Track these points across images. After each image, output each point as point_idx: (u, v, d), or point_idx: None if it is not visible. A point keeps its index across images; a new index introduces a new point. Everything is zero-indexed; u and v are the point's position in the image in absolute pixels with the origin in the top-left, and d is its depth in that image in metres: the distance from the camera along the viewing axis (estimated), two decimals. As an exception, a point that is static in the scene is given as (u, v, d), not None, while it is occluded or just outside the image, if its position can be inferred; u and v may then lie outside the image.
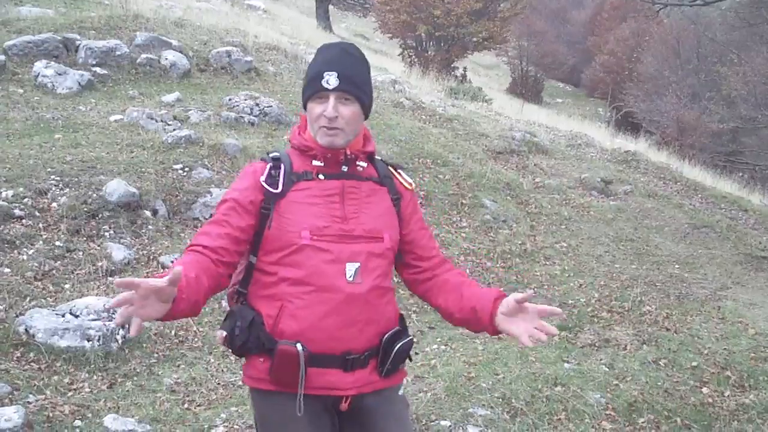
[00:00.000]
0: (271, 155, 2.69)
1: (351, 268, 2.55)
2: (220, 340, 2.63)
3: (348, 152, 2.64)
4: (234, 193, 2.61)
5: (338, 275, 2.53)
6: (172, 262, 6.86)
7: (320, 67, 2.60)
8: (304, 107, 2.67)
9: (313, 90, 2.59)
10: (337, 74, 2.56)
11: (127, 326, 5.62)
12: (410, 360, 2.79)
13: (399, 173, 2.83)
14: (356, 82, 2.61)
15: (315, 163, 2.64)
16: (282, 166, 2.63)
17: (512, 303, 2.51)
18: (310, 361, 2.50)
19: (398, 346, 2.64)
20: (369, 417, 2.68)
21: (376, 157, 2.80)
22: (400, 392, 2.80)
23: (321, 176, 2.63)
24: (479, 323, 2.66)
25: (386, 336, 2.64)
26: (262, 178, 2.60)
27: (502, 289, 8.33)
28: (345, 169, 2.65)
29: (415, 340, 2.94)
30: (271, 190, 2.58)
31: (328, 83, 2.55)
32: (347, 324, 2.54)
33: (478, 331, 2.72)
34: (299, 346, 2.47)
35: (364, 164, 2.71)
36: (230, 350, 2.65)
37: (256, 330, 2.55)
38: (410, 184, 2.83)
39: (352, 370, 2.57)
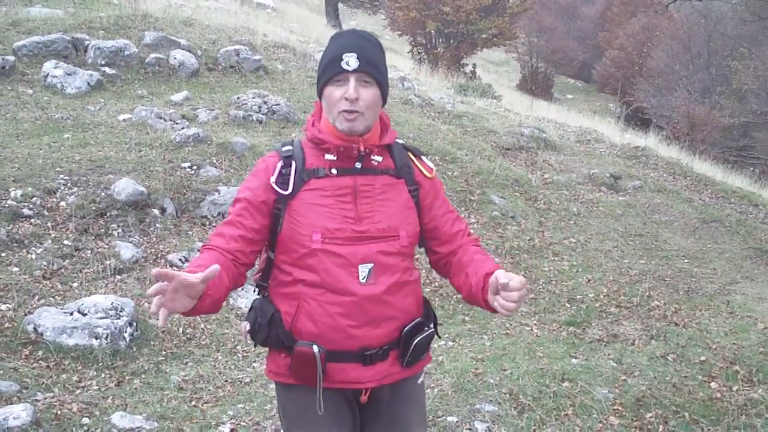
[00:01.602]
0: (283, 150, 2.64)
1: (364, 269, 2.53)
2: (243, 332, 2.65)
3: (362, 148, 2.58)
4: (246, 193, 2.60)
5: (351, 278, 2.51)
6: (181, 260, 6.90)
7: (338, 50, 2.54)
8: (319, 95, 2.62)
9: (332, 72, 2.53)
10: (356, 55, 2.51)
11: (134, 323, 5.70)
12: (439, 337, 2.76)
13: (420, 159, 2.76)
14: (376, 64, 2.57)
15: (328, 157, 2.59)
16: (293, 164, 2.59)
17: (495, 283, 2.44)
18: (328, 358, 2.51)
19: (417, 340, 2.62)
20: (387, 406, 2.70)
21: (398, 140, 2.74)
22: (420, 380, 2.80)
23: (334, 171, 2.58)
24: (478, 302, 2.61)
25: (405, 329, 2.62)
26: (272, 179, 2.57)
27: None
28: (359, 165, 2.61)
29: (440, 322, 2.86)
30: (281, 191, 2.56)
31: (348, 64, 2.50)
32: (363, 324, 2.53)
33: (487, 309, 2.60)
34: (315, 348, 2.48)
35: (380, 158, 2.65)
36: (253, 342, 2.66)
37: (275, 327, 2.56)
38: (430, 171, 2.76)
39: (372, 363, 2.58)
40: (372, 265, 2.54)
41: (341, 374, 2.56)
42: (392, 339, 2.61)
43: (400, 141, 2.76)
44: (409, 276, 2.66)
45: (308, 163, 2.60)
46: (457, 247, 2.77)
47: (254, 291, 2.77)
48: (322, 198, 2.55)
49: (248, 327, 2.62)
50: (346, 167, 2.60)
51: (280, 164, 2.60)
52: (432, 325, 2.72)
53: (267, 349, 2.69)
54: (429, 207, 2.73)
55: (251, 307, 2.68)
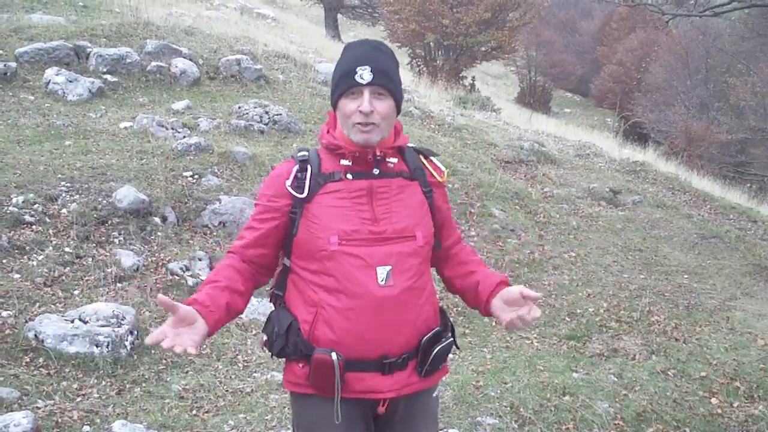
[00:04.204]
0: (299, 155, 2.66)
1: (382, 271, 2.51)
2: (261, 343, 2.66)
3: (378, 152, 2.59)
4: (263, 199, 2.65)
5: (370, 280, 2.50)
6: (182, 269, 6.90)
7: (352, 62, 2.55)
8: (334, 106, 2.63)
9: (346, 86, 2.55)
10: (370, 68, 2.52)
11: (135, 332, 5.68)
12: (458, 348, 2.82)
13: (431, 161, 2.77)
14: (390, 76, 2.59)
15: (343, 162, 2.60)
16: (309, 168, 2.60)
17: (516, 295, 2.57)
18: (347, 367, 2.49)
19: (437, 349, 2.61)
20: (401, 419, 2.68)
21: (409, 144, 2.76)
22: (435, 393, 2.78)
23: (349, 176, 2.59)
24: (476, 299, 2.74)
25: (425, 338, 2.60)
26: (288, 183, 2.59)
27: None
28: (376, 171, 2.61)
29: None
30: (296, 195, 2.57)
31: (362, 78, 2.51)
32: (382, 328, 2.51)
33: (471, 306, 2.80)
34: (334, 355, 2.46)
35: (395, 160, 2.67)
36: (270, 353, 2.66)
37: (293, 336, 2.55)
38: (441, 174, 2.77)
39: (391, 372, 2.55)
40: (390, 267, 2.53)
41: (360, 383, 2.53)
42: (411, 347, 2.59)
43: (411, 144, 2.78)
44: (426, 281, 2.66)
45: (324, 167, 2.62)
46: (453, 243, 2.86)
47: (269, 301, 2.78)
48: (338, 200, 2.57)
49: (265, 338, 2.63)
50: (362, 171, 2.61)
51: (295, 168, 2.62)
52: (450, 335, 2.71)
53: (271, 359, 2.70)
54: (439, 207, 2.76)
55: (268, 318, 2.69)
